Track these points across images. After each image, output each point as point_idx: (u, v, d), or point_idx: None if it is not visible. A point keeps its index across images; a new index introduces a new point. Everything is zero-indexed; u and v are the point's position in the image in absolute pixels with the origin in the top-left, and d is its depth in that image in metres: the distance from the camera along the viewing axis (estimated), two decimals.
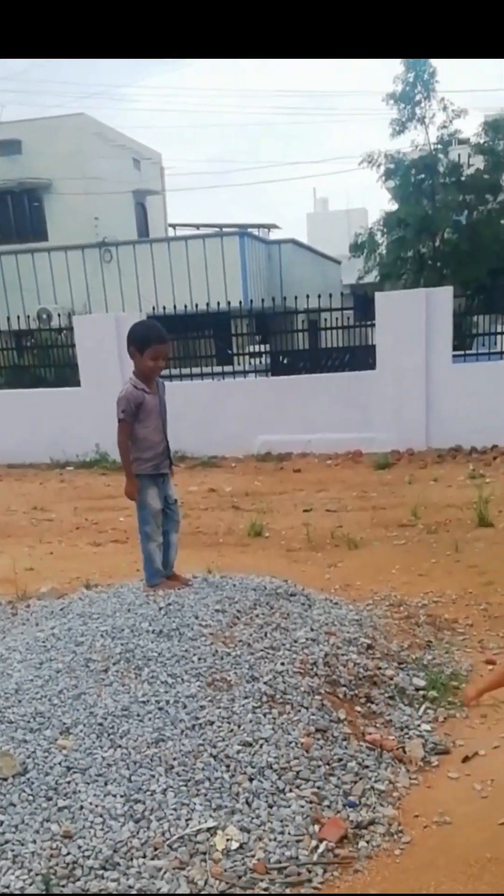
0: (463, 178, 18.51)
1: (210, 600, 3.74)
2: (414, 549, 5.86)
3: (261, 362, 11.89)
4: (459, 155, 19.41)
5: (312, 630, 3.59)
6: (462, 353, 10.58)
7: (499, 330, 11.23)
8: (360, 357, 11.19)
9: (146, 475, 4.00)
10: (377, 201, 65.22)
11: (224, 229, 22.79)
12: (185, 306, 11.46)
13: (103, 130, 24.01)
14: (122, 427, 3.95)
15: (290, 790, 2.64)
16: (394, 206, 19.53)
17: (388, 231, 19.17)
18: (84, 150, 22.72)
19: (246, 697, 3.02)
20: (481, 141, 18.81)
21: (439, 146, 18.54)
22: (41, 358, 12.64)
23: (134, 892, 2.26)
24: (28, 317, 12.89)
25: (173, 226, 27.49)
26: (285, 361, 11.81)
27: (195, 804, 2.55)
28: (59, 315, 17.40)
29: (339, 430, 10.21)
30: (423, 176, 18.51)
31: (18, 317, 12.89)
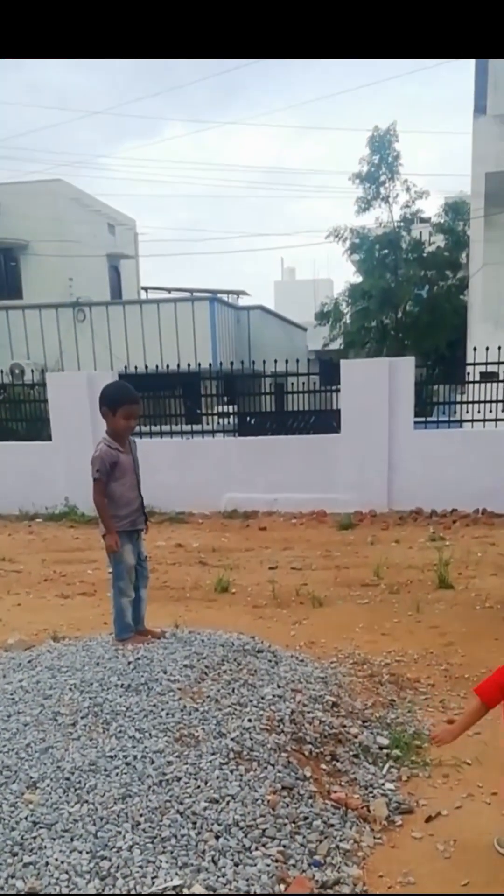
0: (424, 255, 19.31)
1: (179, 655, 3.77)
2: (377, 608, 5.94)
3: (228, 422, 12.06)
4: (421, 233, 20.25)
5: (279, 687, 3.62)
6: (423, 419, 10.87)
7: (457, 399, 11.59)
8: (325, 420, 11.42)
9: (122, 531, 4.05)
10: (342, 272, 67.29)
11: (195, 294, 23.27)
12: (157, 366, 11.64)
13: (80, 196, 24.67)
14: (97, 486, 4.01)
15: (257, 848, 2.63)
16: (358, 279, 20.27)
17: (353, 302, 19.81)
18: (61, 214, 23.28)
19: (213, 753, 3.03)
20: (442, 221, 19.71)
21: (402, 224, 19.38)
22: (13, 412, 12.68)
23: None
24: (1, 371, 12.95)
25: (146, 289, 28.02)
26: (252, 422, 12.00)
27: (161, 861, 2.53)
28: (31, 370, 17.45)
29: (304, 490, 10.36)
30: (386, 251, 19.27)
31: None
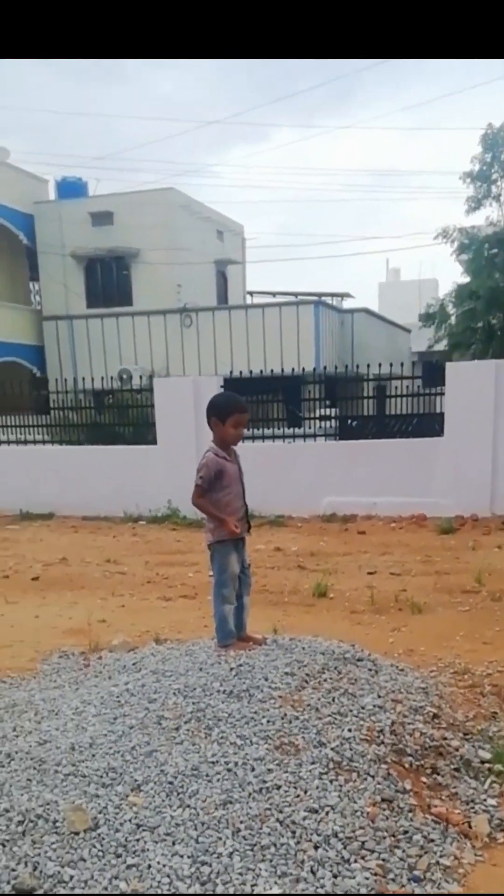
0: None
1: (279, 663, 3.79)
2: (478, 616, 5.79)
3: (329, 426, 12.04)
4: None
5: (379, 697, 3.58)
6: None
7: None
8: (427, 423, 11.25)
9: (228, 539, 4.08)
10: (449, 273, 65.74)
11: (299, 297, 23.31)
12: (261, 370, 11.75)
13: (189, 203, 25.13)
14: (197, 490, 4.07)
15: (356, 860, 2.61)
16: (466, 279, 19.74)
17: (460, 302, 19.33)
18: (171, 222, 23.77)
19: (313, 763, 3.03)
20: None
21: None
22: (120, 416, 13.10)
23: None
24: (111, 377, 13.41)
25: (251, 293, 28.25)
26: (353, 425, 11.93)
27: (261, 869, 2.54)
28: (140, 376, 17.99)
29: (404, 493, 10.22)
30: (496, 251, 18.70)
31: (102, 377, 13.47)
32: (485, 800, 3.16)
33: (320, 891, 2.49)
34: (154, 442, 11.45)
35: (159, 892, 2.47)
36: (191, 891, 2.47)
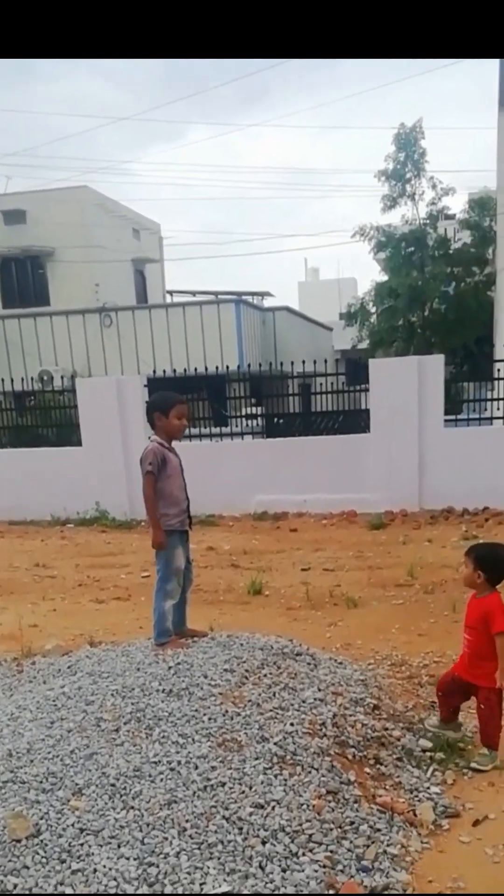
0: (451, 252, 19.15)
1: (218, 660, 3.76)
2: (412, 608, 5.90)
3: (256, 424, 12.06)
4: (446, 229, 20.08)
5: (320, 690, 3.60)
6: (453, 417, 10.78)
7: (486, 396, 11.48)
8: (352, 420, 11.40)
9: (175, 532, 4.12)
10: (367, 271, 66.98)
11: (220, 296, 23.30)
12: (184, 370, 11.68)
13: (105, 202, 24.83)
14: (148, 479, 4.06)
15: (304, 853, 2.62)
16: (384, 277, 20.14)
17: (380, 301, 19.70)
18: (86, 220, 23.46)
19: (257, 758, 3.02)
20: (468, 217, 19.55)
21: (428, 221, 19.23)
22: (42, 418, 12.80)
23: None
24: (31, 378, 13.08)
25: (171, 292, 28.10)
26: (280, 423, 11.99)
27: (209, 867, 2.52)
28: (61, 377, 17.62)
29: (334, 490, 10.31)
30: (412, 249, 19.14)
31: (22, 378, 13.11)
32: (428, 788, 3.21)
33: (269, 885, 2.48)
34: (79, 443, 11.22)
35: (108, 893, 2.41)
36: (140, 891, 2.42)
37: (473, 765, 3.39)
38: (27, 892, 2.42)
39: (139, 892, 2.42)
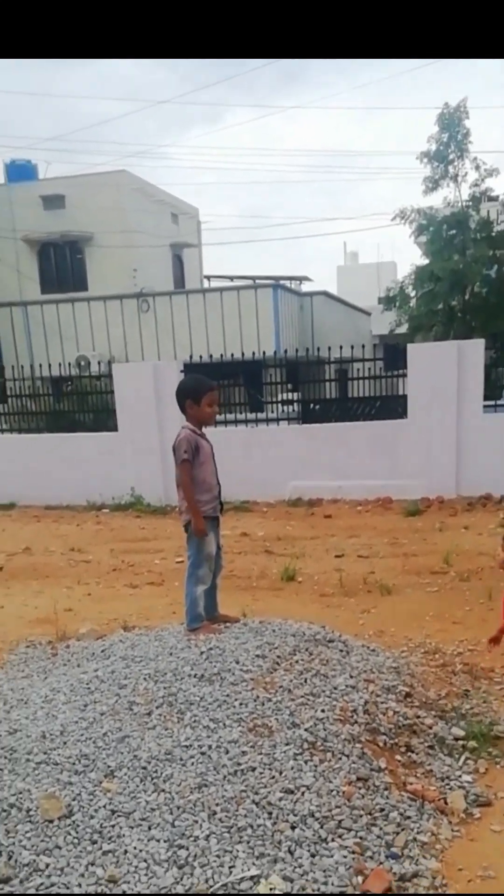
0: (493, 234, 18.74)
1: (250, 645, 3.77)
2: (447, 596, 5.85)
3: (292, 410, 12.03)
4: (489, 211, 19.66)
5: (351, 677, 3.59)
6: (493, 403, 10.62)
7: None
8: (390, 406, 11.30)
9: (207, 518, 4.13)
10: (407, 254, 66.16)
11: (257, 281, 23.22)
12: (221, 355, 11.66)
13: (143, 186, 24.87)
14: (185, 467, 4.07)
15: (333, 839, 2.62)
16: (425, 261, 19.80)
17: (419, 285, 19.38)
18: (125, 205, 23.54)
19: (287, 744, 3.03)
20: None
21: (471, 203, 18.83)
22: (79, 403, 12.93)
23: None
24: (68, 364, 13.19)
25: (208, 277, 28.07)
26: (316, 409, 11.94)
27: (238, 851, 2.53)
28: (98, 363, 17.76)
29: (369, 476, 10.26)
30: (454, 231, 18.76)
31: (60, 364, 13.25)
32: (460, 776, 3.19)
33: (298, 870, 2.48)
34: (115, 429, 11.31)
35: (140, 881, 2.44)
36: (168, 874, 2.44)
37: None
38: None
39: (169, 874, 2.45)
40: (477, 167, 18.52)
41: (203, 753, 2.97)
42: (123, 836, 2.61)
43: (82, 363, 18.19)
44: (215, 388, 4.23)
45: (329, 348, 11.53)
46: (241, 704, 3.25)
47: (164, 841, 2.58)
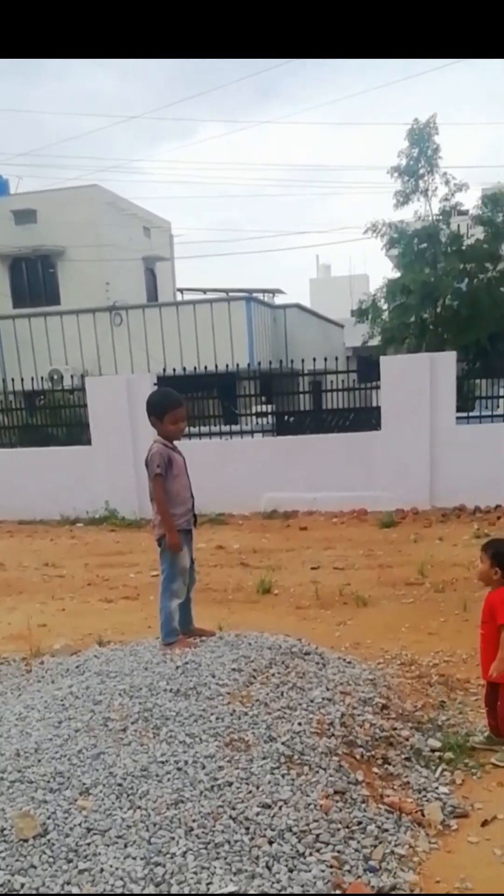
0: (464, 248, 19.01)
1: (226, 659, 3.76)
2: (422, 607, 5.87)
3: (266, 422, 12.05)
4: (459, 225, 19.94)
5: (328, 690, 3.59)
6: (465, 414, 10.73)
7: (499, 393, 11.42)
8: (364, 418, 11.36)
9: (180, 531, 4.10)
10: (379, 267, 66.83)
11: (231, 294, 23.30)
12: (194, 367, 11.67)
13: (115, 200, 24.91)
14: (158, 481, 4.04)
15: (311, 854, 2.60)
16: (396, 274, 20.02)
17: (392, 297, 19.58)
18: (97, 219, 23.55)
19: (264, 758, 3.01)
20: (481, 213, 19.41)
21: (441, 217, 19.11)
22: (52, 417, 12.84)
23: None
24: (41, 378, 13.12)
25: (181, 290, 28.14)
26: (290, 421, 11.97)
27: (215, 867, 2.51)
28: (71, 376, 17.67)
29: (344, 488, 10.29)
30: (425, 245, 19.00)
31: (32, 378, 13.17)
32: (436, 788, 3.20)
33: (276, 886, 2.47)
34: (88, 442, 11.24)
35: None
36: (146, 891, 2.41)
37: (494, 761, 3.38)
38: (35, 892, 2.42)
39: (146, 891, 2.42)
40: (447, 182, 18.82)
41: (179, 769, 2.95)
42: (99, 854, 2.57)
43: (55, 377, 18.09)
44: (180, 404, 4.16)
45: (303, 360, 11.58)
46: (217, 719, 3.23)
47: (141, 858, 2.55)
